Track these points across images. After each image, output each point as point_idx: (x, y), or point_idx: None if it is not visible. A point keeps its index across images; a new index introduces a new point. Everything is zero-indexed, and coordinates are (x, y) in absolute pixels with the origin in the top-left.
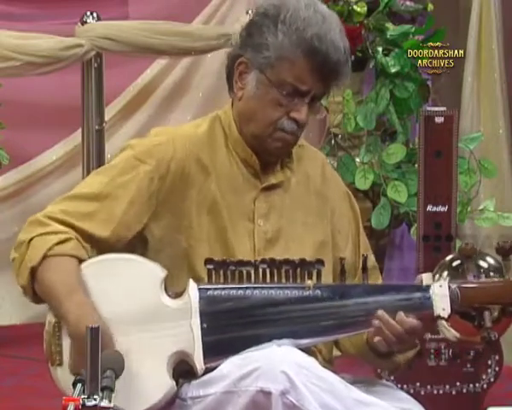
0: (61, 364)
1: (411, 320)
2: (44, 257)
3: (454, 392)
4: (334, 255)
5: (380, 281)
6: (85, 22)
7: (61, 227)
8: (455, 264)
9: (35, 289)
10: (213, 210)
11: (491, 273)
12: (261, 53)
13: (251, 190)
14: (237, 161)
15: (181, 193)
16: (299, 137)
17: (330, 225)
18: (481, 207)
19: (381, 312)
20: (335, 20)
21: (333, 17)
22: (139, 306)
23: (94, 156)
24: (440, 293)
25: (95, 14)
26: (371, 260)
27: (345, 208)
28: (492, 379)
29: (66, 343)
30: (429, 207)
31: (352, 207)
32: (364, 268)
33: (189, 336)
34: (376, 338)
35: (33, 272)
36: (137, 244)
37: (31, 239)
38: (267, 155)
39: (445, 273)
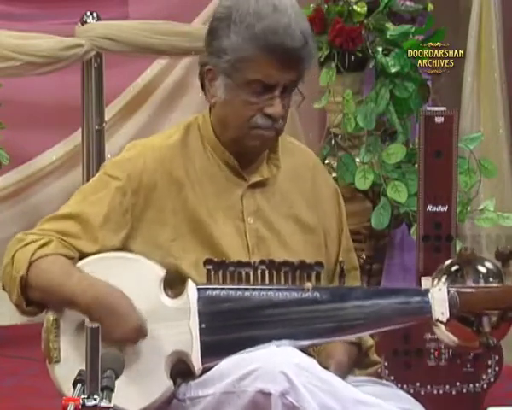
0: (58, 361)
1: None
2: (30, 264)
3: (454, 392)
4: (325, 256)
5: (357, 283)
6: (85, 22)
7: (38, 236)
8: (454, 269)
9: (28, 300)
10: (194, 219)
11: (491, 279)
12: (222, 58)
13: (236, 189)
14: (218, 162)
15: (156, 206)
16: (281, 130)
17: (322, 226)
18: (481, 207)
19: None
20: (289, 5)
21: (286, 2)
22: (137, 305)
23: (94, 156)
24: (439, 297)
25: (95, 14)
26: (352, 260)
27: (333, 208)
28: (492, 379)
29: (64, 340)
30: (429, 207)
31: (339, 205)
32: (341, 275)
33: (188, 337)
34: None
35: (23, 281)
36: None
37: (12, 257)
38: (248, 153)
39: (444, 278)
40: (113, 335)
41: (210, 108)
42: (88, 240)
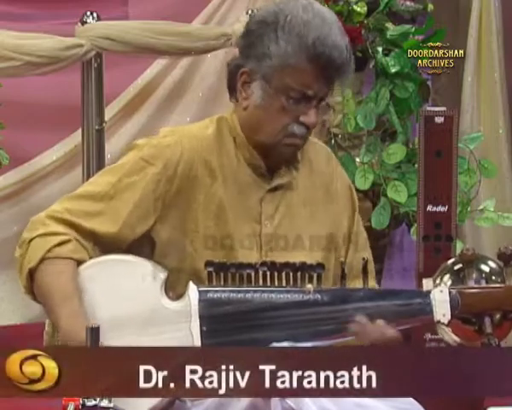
0: None
1: (391, 331)
2: (42, 259)
3: None
4: (336, 253)
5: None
6: (85, 22)
7: (62, 228)
8: (457, 268)
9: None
10: (220, 215)
11: (493, 278)
12: (264, 62)
13: (258, 191)
14: (244, 163)
15: (188, 195)
16: (308, 138)
17: (336, 224)
18: (481, 207)
19: (359, 317)
20: (334, 20)
21: (332, 17)
22: (139, 308)
23: (94, 156)
24: (441, 298)
25: (95, 14)
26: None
27: (346, 204)
28: None
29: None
30: (429, 207)
31: (352, 201)
32: (365, 271)
33: (189, 339)
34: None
35: (32, 273)
36: (144, 247)
37: (31, 239)
38: (277, 159)
39: (447, 278)
40: None
41: (235, 110)
42: (115, 224)
